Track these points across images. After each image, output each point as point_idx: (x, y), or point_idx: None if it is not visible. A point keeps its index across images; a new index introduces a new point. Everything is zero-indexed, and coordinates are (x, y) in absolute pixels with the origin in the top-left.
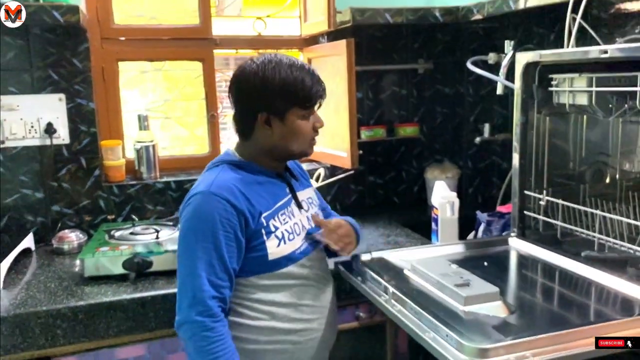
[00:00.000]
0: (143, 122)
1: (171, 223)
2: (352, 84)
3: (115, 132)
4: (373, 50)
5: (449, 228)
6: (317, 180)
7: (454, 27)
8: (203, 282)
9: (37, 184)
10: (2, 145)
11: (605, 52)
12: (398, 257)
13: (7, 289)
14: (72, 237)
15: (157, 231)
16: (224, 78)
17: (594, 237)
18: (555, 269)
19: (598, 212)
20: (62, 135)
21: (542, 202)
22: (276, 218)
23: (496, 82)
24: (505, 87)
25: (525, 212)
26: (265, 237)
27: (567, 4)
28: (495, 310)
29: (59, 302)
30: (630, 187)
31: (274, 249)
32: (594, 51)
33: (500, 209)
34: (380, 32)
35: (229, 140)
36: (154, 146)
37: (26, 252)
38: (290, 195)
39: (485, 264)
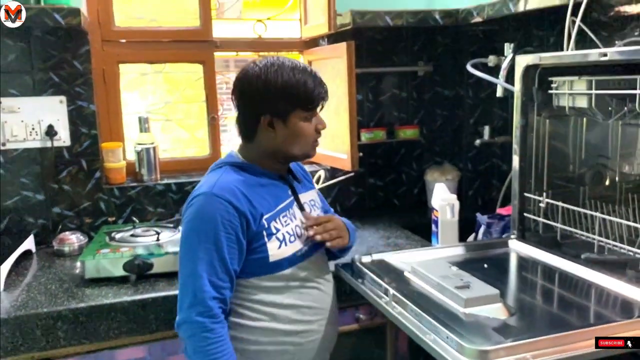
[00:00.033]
0: (144, 124)
1: (172, 225)
2: (353, 86)
3: (116, 134)
4: (373, 53)
5: (449, 230)
6: (317, 182)
7: (454, 29)
8: (204, 282)
9: (38, 186)
10: (3, 148)
11: (605, 55)
12: (398, 259)
13: (8, 290)
14: (73, 239)
15: (158, 233)
16: (224, 80)
17: (594, 239)
18: (555, 271)
19: (598, 214)
20: (63, 138)
21: (542, 205)
22: (278, 220)
23: (496, 85)
24: (505, 90)
25: (525, 214)
26: (266, 239)
27: (566, 6)
28: (496, 312)
29: (60, 304)
30: (630, 190)
31: (275, 250)
32: (593, 54)
33: (500, 211)
34: (380, 34)
35: (230, 142)
36: (154, 148)
37: (27, 254)
38: (292, 198)
39: (486, 266)
